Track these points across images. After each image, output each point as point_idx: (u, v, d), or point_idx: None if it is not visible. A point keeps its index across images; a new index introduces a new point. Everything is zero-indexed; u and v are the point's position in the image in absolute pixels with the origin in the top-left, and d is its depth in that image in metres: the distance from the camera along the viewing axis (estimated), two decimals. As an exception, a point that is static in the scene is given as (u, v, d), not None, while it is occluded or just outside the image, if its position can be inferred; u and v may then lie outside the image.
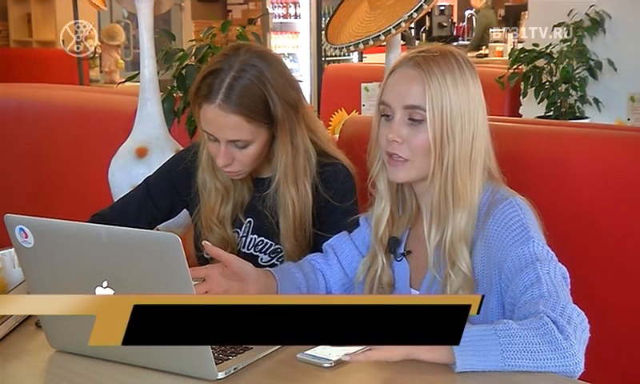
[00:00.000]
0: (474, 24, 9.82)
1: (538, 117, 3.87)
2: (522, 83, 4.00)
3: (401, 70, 1.51)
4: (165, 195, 1.94)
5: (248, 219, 1.88)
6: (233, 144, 1.72)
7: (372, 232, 1.63)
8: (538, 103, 3.98)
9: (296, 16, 8.72)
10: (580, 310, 1.30)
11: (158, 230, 1.98)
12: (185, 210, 1.98)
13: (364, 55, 7.47)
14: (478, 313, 1.07)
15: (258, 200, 1.85)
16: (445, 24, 10.15)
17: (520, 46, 5.40)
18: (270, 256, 1.87)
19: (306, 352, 1.31)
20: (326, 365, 1.28)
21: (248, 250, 1.89)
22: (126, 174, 2.47)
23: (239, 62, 1.71)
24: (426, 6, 2.56)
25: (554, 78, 3.95)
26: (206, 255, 1.89)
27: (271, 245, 1.87)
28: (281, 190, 1.80)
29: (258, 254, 1.88)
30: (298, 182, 1.79)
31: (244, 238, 1.89)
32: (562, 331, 1.24)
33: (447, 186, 1.47)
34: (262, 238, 1.87)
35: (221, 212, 1.86)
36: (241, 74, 1.70)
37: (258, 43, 2.45)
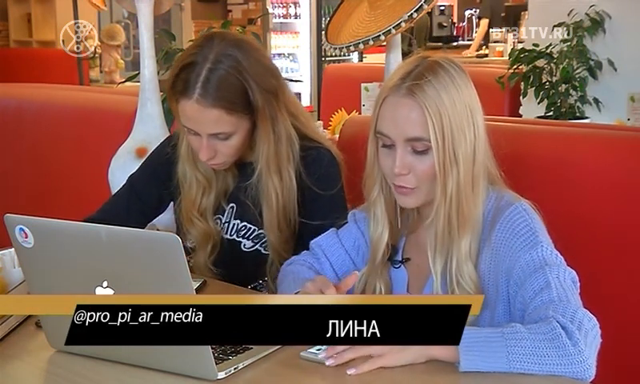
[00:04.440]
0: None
1: (538, 117, 3.86)
2: (522, 83, 4.00)
3: (395, 100, 1.44)
4: (151, 189, 1.92)
5: (231, 205, 1.85)
6: (214, 137, 1.69)
7: (370, 253, 1.59)
8: (538, 103, 3.97)
9: (296, 16, 8.73)
10: (591, 316, 1.29)
11: (157, 229, 1.98)
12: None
13: (364, 55, 7.47)
14: (478, 314, 1.06)
15: (241, 189, 1.82)
16: (445, 24, 10.16)
17: (520, 46, 5.39)
18: (252, 242, 1.85)
19: (309, 350, 1.31)
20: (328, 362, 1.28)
21: (230, 235, 1.86)
22: (126, 174, 2.45)
23: (214, 52, 1.66)
24: (426, 6, 2.57)
25: (554, 78, 3.95)
26: (190, 248, 1.86)
27: (254, 230, 1.83)
28: (263, 180, 1.76)
29: (240, 239, 1.85)
30: (282, 170, 1.75)
31: (227, 224, 1.86)
32: (571, 337, 1.23)
33: (452, 211, 1.44)
34: (245, 223, 1.84)
35: (202, 204, 1.83)
36: (216, 66, 1.64)
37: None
